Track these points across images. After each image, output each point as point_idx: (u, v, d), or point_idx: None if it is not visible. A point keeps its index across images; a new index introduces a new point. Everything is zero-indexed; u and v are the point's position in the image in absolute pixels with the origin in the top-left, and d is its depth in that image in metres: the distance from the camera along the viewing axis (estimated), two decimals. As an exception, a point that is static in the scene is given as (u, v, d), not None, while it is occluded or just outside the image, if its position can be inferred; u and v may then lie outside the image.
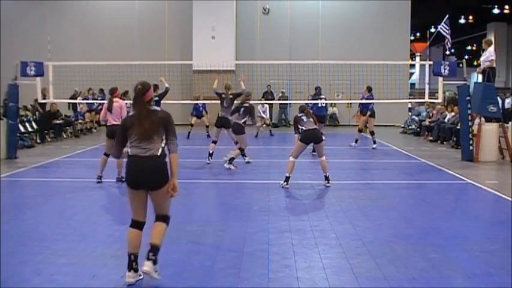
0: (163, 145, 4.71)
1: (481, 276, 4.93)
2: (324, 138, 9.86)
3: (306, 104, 11.64)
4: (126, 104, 15.27)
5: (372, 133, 15.41)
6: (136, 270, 4.67)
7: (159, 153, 4.66)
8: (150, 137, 4.63)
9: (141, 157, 4.63)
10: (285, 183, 9.20)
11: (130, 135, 4.70)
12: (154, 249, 4.67)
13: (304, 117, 9.32)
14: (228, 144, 12.36)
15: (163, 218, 4.80)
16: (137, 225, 4.75)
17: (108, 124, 9.70)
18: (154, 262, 4.64)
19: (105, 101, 18.62)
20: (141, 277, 4.70)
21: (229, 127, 11.71)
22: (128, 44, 24.02)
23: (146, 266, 4.62)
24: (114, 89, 10.05)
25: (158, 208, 4.80)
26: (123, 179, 9.23)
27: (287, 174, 9.21)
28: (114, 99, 9.77)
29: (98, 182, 9.56)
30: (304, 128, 9.22)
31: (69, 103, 20.31)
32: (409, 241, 6.04)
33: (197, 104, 18.16)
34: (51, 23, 23.83)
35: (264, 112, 19.73)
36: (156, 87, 12.31)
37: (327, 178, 9.34)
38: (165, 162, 4.71)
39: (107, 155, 9.63)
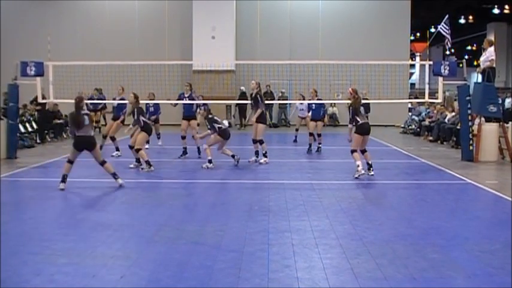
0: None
1: (481, 276, 4.93)
2: None
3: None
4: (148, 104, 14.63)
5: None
6: (65, 183, 8.85)
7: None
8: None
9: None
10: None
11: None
12: (114, 174, 9.08)
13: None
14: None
15: (103, 162, 9.07)
16: (72, 162, 8.94)
17: None
18: (116, 178, 9.08)
19: (104, 101, 18.81)
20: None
21: None
22: (128, 44, 24.02)
23: (117, 181, 9.03)
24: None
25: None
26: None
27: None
28: None
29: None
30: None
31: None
32: (409, 241, 6.03)
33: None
34: (51, 23, 23.84)
35: (302, 110, 16.75)
36: None
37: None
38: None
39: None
